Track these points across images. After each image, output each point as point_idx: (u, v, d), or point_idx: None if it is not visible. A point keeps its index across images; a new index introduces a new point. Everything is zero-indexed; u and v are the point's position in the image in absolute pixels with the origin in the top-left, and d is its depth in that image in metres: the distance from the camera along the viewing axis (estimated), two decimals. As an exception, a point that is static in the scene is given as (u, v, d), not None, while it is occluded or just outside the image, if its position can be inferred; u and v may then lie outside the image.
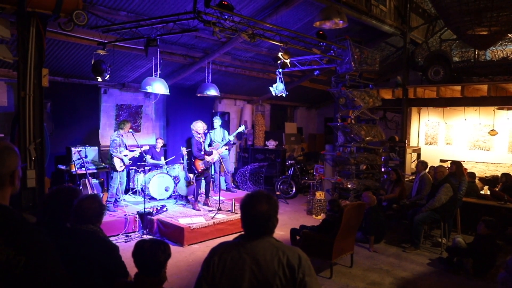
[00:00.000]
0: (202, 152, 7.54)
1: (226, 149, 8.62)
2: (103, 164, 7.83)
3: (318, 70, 8.99)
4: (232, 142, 9.17)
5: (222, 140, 8.69)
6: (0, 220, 1.44)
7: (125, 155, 7.23)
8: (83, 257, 2.33)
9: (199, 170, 7.52)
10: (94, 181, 7.42)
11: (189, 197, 8.10)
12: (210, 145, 8.48)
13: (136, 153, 7.50)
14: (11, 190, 1.56)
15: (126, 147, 7.39)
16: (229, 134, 9.06)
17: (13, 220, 1.47)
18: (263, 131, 12.04)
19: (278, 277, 1.90)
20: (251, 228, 2.02)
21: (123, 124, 7.37)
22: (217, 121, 9.11)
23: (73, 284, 1.72)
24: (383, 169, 9.24)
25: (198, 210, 7.48)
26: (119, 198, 7.46)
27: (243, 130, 8.83)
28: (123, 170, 7.34)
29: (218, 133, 8.99)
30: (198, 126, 7.54)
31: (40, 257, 1.43)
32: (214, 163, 8.02)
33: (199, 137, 7.54)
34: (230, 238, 2.14)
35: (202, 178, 7.73)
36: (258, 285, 1.91)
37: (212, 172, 9.00)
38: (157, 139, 9.00)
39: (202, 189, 8.01)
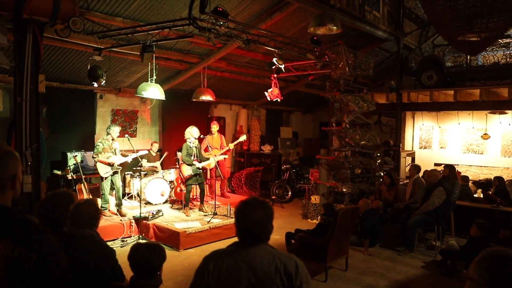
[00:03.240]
0: (193, 158, 7.53)
1: (222, 154, 8.61)
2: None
3: (313, 75, 9.07)
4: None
5: (220, 147, 8.68)
6: (8, 220, 1.50)
7: (112, 161, 7.02)
8: (79, 261, 2.35)
9: (185, 175, 7.47)
10: (89, 186, 7.42)
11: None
12: (206, 150, 8.48)
13: (128, 160, 7.32)
14: (12, 194, 1.60)
15: (115, 152, 7.15)
16: (225, 139, 9.05)
17: (19, 220, 1.52)
18: (258, 135, 12.09)
19: (276, 285, 1.88)
20: (247, 235, 1.99)
21: (109, 129, 7.14)
22: (215, 127, 8.93)
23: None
24: (382, 173, 9.28)
25: (188, 216, 7.40)
26: (117, 204, 7.39)
27: (244, 139, 8.91)
28: (107, 177, 7.05)
29: (215, 139, 8.88)
30: (195, 131, 7.56)
31: (50, 254, 1.50)
32: (210, 169, 8.02)
33: (191, 142, 7.55)
34: (226, 242, 2.13)
35: (194, 184, 7.68)
36: None
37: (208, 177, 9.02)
38: (152, 142, 8.99)
39: (194, 195, 7.97)
